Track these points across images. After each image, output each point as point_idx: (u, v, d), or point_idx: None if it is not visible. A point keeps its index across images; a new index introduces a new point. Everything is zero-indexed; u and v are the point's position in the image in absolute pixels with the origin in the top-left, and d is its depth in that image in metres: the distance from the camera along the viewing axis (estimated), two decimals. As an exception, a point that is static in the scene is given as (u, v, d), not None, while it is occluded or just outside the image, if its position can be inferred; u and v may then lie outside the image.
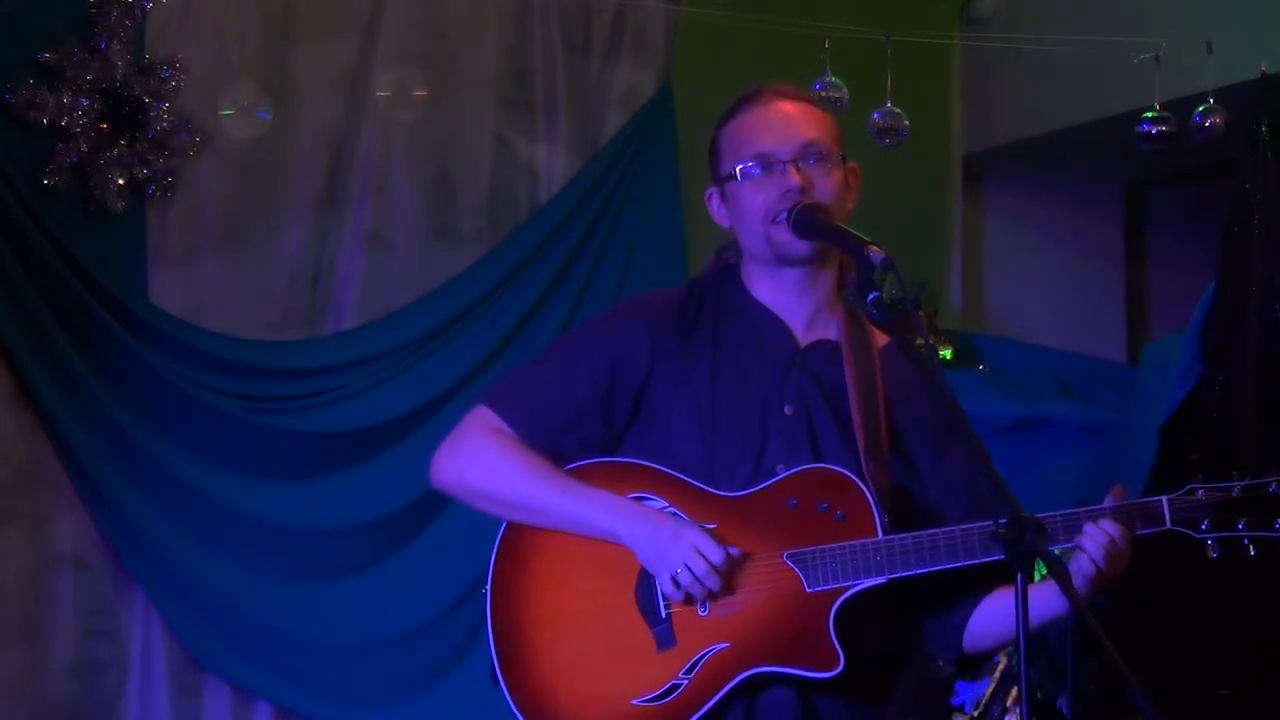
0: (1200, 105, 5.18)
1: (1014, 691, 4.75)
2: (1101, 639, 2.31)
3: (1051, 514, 2.61)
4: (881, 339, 2.86)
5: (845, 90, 5.19)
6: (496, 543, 2.78)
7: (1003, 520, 2.39)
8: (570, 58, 5.73)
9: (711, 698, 2.62)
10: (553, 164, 5.70)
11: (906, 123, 5.33)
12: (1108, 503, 2.66)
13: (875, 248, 2.61)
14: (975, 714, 4.79)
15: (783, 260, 2.79)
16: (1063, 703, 4.86)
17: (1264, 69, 5.14)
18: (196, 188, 5.19)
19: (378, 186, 5.46)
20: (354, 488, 5.28)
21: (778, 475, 2.70)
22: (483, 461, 2.77)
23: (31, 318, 4.86)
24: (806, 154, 2.79)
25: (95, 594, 5.05)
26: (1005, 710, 4.76)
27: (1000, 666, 4.80)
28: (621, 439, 2.79)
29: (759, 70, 5.55)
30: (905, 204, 6.12)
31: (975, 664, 2.87)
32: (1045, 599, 2.68)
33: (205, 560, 5.10)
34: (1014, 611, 2.69)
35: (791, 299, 2.82)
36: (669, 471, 2.72)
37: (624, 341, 2.79)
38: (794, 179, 2.75)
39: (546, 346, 2.96)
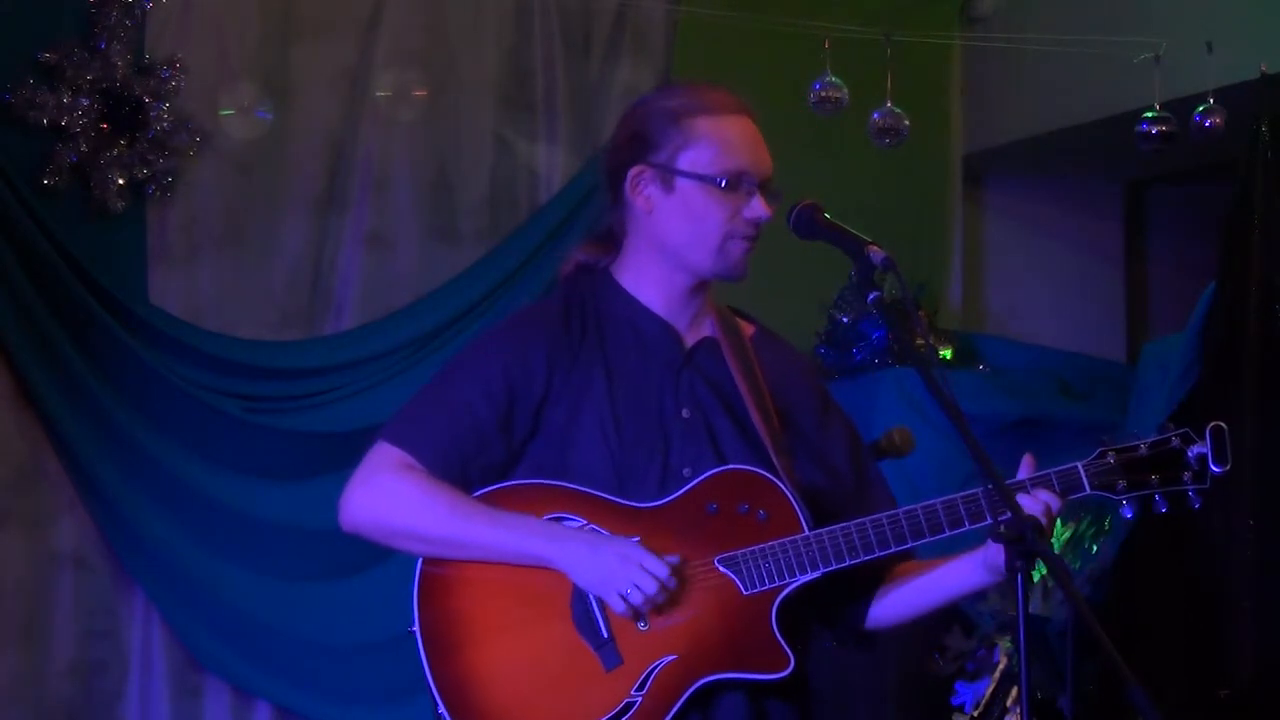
0: (1200, 105, 5.18)
1: (1014, 691, 4.75)
2: (1101, 638, 2.31)
3: (973, 490, 2.62)
4: (749, 328, 2.86)
5: (845, 90, 5.19)
6: (416, 580, 2.69)
7: (1002, 520, 2.40)
8: (570, 58, 5.73)
9: (669, 710, 2.60)
10: (553, 164, 5.70)
11: (906, 123, 5.32)
12: (1023, 473, 2.67)
13: (875, 247, 2.60)
14: (975, 714, 4.79)
15: (716, 275, 2.75)
16: (1063, 703, 4.86)
17: (1264, 69, 5.14)
18: (196, 188, 5.19)
19: (378, 186, 5.46)
20: (354, 488, 5.27)
21: (687, 479, 2.67)
22: (401, 500, 2.69)
23: (31, 318, 4.87)
24: (768, 184, 2.76)
25: (95, 594, 5.06)
26: (1005, 710, 4.76)
27: (1000, 666, 4.80)
28: (517, 459, 2.73)
29: (759, 70, 5.59)
30: (905, 204, 6.12)
31: (871, 642, 2.85)
32: (969, 571, 2.71)
33: (205, 560, 5.11)
34: (913, 597, 2.76)
35: (680, 301, 2.78)
36: (581, 489, 2.66)
37: (520, 361, 2.72)
38: (767, 210, 2.72)
39: (438, 373, 2.81)
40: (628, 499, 2.67)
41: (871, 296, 2.57)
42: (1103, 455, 2.68)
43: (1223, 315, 5.12)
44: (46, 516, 5.00)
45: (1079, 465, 2.68)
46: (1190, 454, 2.68)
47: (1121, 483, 2.66)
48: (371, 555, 5.30)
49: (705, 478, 2.67)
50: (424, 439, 2.72)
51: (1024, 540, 2.36)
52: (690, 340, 2.79)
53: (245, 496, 5.16)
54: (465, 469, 2.70)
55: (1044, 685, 4.89)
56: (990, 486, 2.49)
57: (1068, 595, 2.41)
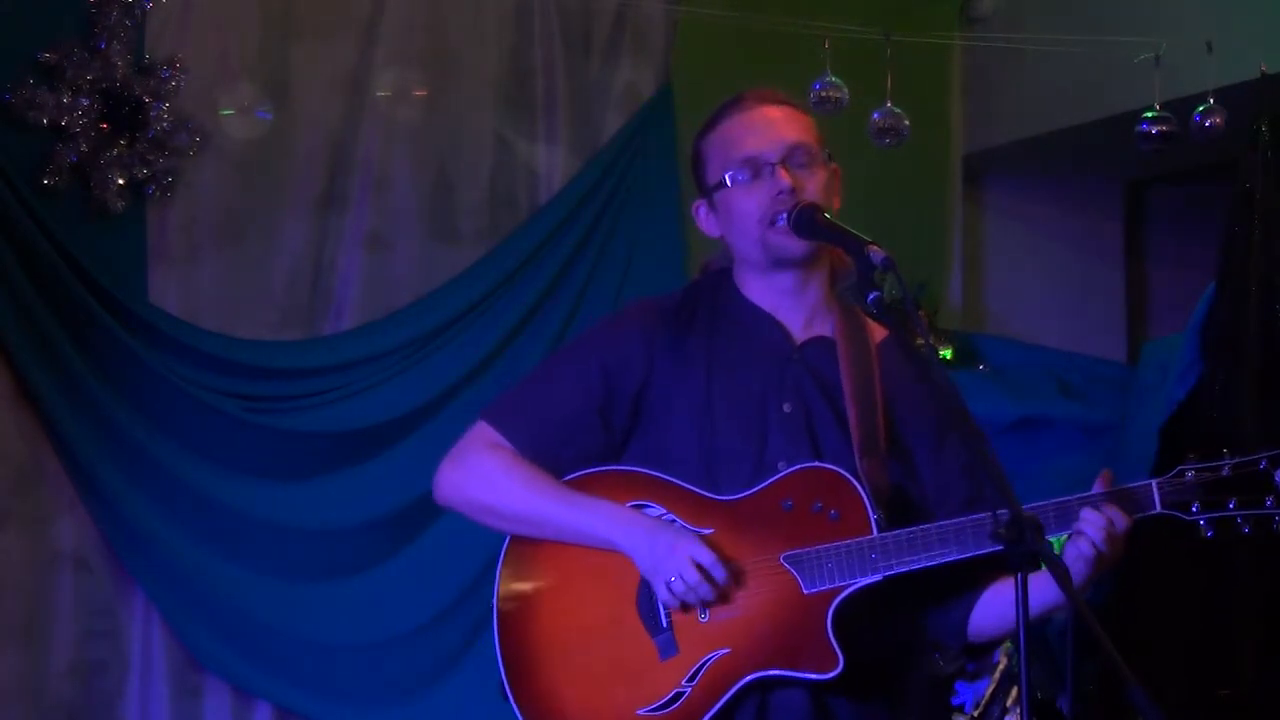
0: (1200, 105, 5.18)
1: (1014, 691, 4.75)
2: (1102, 639, 2.31)
3: (1043, 503, 2.62)
4: (879, 334, 2.87)
5: (845, 90, 5.19)
6: (501, 555, 2.79)
7: (1002, 520, 2.39)
8: (570, 58, 5.73)
9: (715, 704, 2.63)
10: (553, 164, 5.70)
11: (906, 123, 5.33)
12: (1097, 488, 2.66)
13: (875, 247, 2.61)
14: (975, 714, 4.79)
15: (778, 263, 2.79)
16: (1063, 703, 4.86)
17: (1264, 69, 5.14)
18: (196, 188, 5.19)
19: (378, 186, 5.46)
20: (354, 488, 5.28)
21: (778, 472, 2.70)
22: (484, 477, 2.79)
23: (31, 318, 4.87)
24: (793, 155, 2.79)
25: (95, 594, 5.06)
26: (1005, 710, 4.76)
27: (1000, 667, 4.80)
28: (624, 446, 2.80)
29: (759, 70, 5.57)
30: (905, 204, 6.12)
31: (982, 653, 2.89)
32: (1042, 588, 2.66)
33: (206, 560, 5.10)
34: (1002, 603, 2.74)
35: (787, 301, 2.83)
36: (666, 478, 2.72)
37: (618, 350, 2.80)
38: (785, 180, 2.76)
39: (544, 359, 2.98)
40: (717, 488, 2.71)
41: (871, 296, 2.58)
42: (1180, 474, 2.65)
43: (1223, 315, 5.12)
44: (46, 516, 4.99)
45: (1153, 483, 2.65)
46: (1278, 477, 2.61)
47: (1196, 504, 2.63)
48: (372, 555, 5.31)
49: (785, 474, 2.70)
50: (518, 421, 2.81)
51: (1024, 540, 2.35)
52: (802, 337, 2.82)
53: (245, 496, 5.16)
54: (558, 453, 2.78)
55: (1044, 685, 4.89)
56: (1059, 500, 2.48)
57: (1068, 595, 2.40)
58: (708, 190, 2.85)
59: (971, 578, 2.76)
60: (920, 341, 2.56)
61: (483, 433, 2.83)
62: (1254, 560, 4.96)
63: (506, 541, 2.79)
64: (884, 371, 2.81)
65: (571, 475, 2.77)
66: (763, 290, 2.84)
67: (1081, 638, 4.62)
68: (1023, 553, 2.35)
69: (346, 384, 5.33)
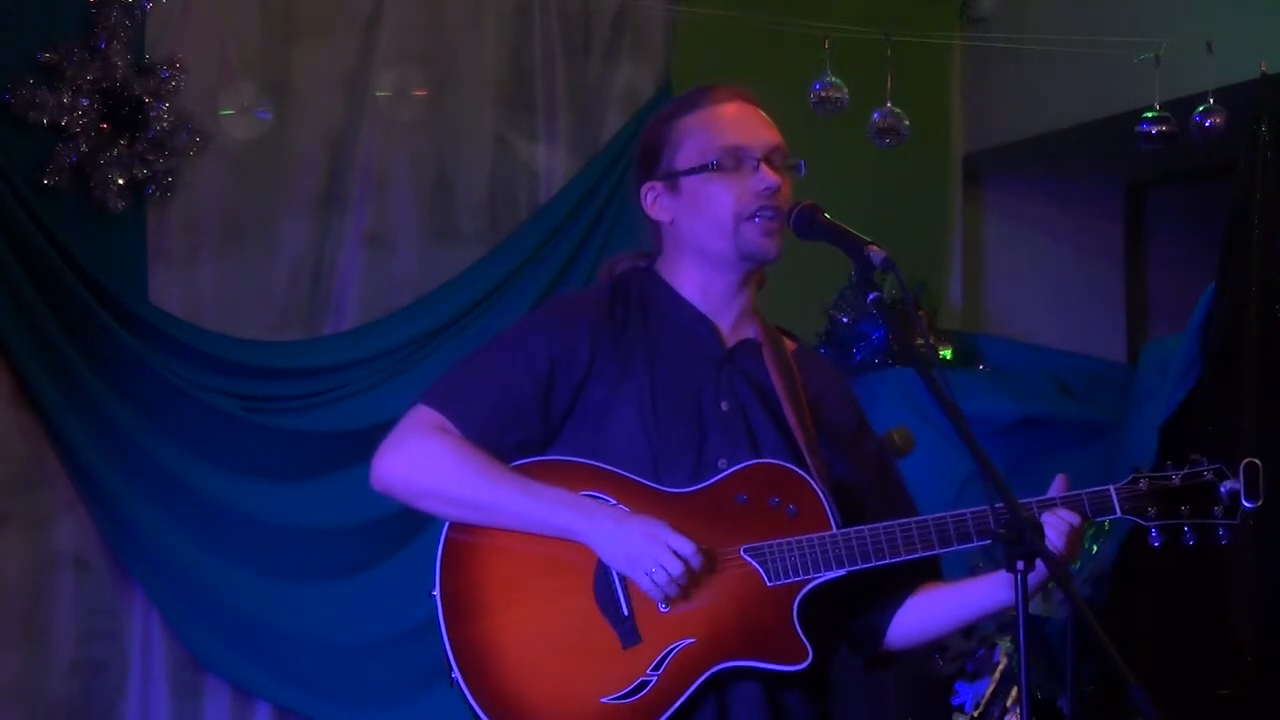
0: (1200, 105, 5.18)
1: (1014, 691, 4.75)
2: (1101, 638, 2.31)
3: (999, 505, 2.62)
4: (791, 343, 2.89)
5: (845, 90, 5.19)
6: (441, 544, 2.70)
7: (1002, 520, 2.40)
8: (570, 58, 5.73)
9: (683, 693, 2.61)
10: (553, 164, 5.70)
11: (906, 123, 5.33)
12: (1054, 491, 2.68)
13: (875, 247, 2.61)
14: (975, 714, 4.79)
15: (746, 259, 2.77)
16: (1063, 703, 4.86)
17: (1264, 69, 5.15)
18: (196, 188, 5.19)
19: (378, 186, 5.46)
20: (354, 488, 5.24)
21: (721, 470, 2.69)
22: (433, 461, 2.71)
23: (31, 318, 4.87)
24: (774, 156, 2.78)
25: (95, 594, 5.06)
26: (1005, 710, 4.76)
27: (1000, 666, 4.80)
28: (554, 436, 2.75)
29: (759, 70, 5.59)
30: (905, 204, 6.13)
31: (889, 662, 2.88)
32: (990, 590, 2.72)
33: (205, 560, 5.11)
34: (936, 613, 2.78)
35: (721, 301, 2.81)
36: (614, 469, 2.68)
37: (564, 338, 2.75)
38: (773, 178, 2.75)
39: (484, 345, 2.87)
40: (661, 484, 2.68)
41: (871, 296, 2.58)
42: (1135, 481, 2.69)
43: (1223, 316, 5.12)
44: (46, 516, 4.99)
45: (1111, 488, 2.68)
46: (1222, 489, 2.68)
47: (1152, 509, 2.68)
48: (372, 555, 5.31)
49: (738, 469, 2.69)
50: (462, 404, 2.74)
51: (1023, 540, 2.36)
52: (732, 340, 2.82)
53: (245, 496, 5.17)
54: (500, 438, 2.72)
55: (1044, 685, 4.89)
56: (1007, 499, 2.48)
57: (1068, 595, 2.40)
58: (671, 174, 2.79)
59: (894, 586, 2.77)
60: (920, 341, 2.57)
61: (425, 416, 2.74)
62: (1253, 559, 4.96)
63: (445, 530, 2.71)
64: (805, 377, 2.83)
65: (515, 463, 2.70)
66: (698, 288, 2.81)
67: (1081, 638, 4.63)
68: (1021, 553, 2.35)
69: (346, 384, 5.33)
